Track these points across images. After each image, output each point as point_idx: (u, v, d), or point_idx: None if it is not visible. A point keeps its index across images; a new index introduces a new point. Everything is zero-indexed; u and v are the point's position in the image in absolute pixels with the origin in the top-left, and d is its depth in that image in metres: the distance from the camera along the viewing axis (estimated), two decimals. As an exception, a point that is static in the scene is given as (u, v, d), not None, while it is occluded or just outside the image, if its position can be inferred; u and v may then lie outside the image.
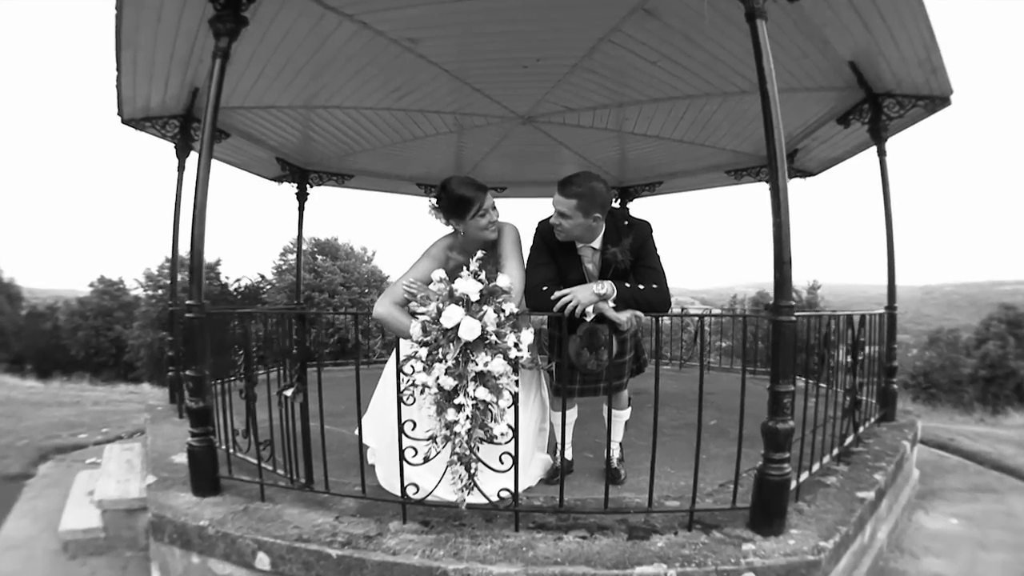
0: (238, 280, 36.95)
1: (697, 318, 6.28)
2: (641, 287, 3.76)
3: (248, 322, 4.36)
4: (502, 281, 3.15)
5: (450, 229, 3.97)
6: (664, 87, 6.25)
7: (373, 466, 4.06)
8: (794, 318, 3.50)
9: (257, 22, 4.63)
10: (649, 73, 5.90)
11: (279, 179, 9.41)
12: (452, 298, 3.05)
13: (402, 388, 3.22)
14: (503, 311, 3.10)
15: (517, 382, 3.16)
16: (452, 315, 2.97)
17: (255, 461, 4.07)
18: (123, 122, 6.36)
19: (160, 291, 37.23)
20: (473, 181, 3.84)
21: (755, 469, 3.62)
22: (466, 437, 3.05)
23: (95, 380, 23.87)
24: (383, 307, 3.57)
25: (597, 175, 3.87)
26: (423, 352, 3.04)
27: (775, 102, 3.61)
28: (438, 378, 2.99)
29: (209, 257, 36.94)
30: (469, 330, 2.94)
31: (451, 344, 2.98)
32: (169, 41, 5.02)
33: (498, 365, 2.99)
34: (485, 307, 3.05)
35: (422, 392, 3.09)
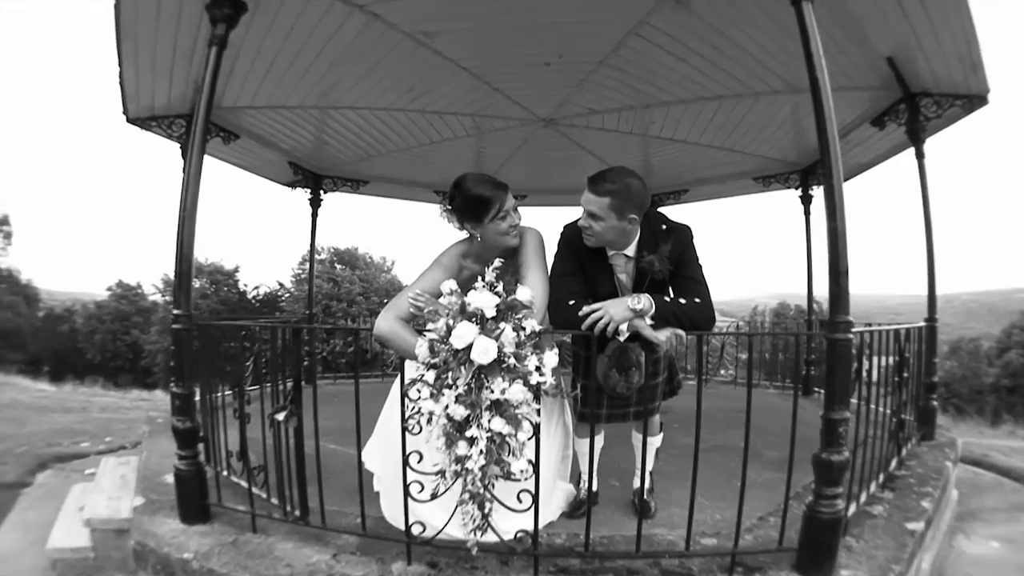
0: (256, 288, 36.75)
1: (744, 336, 5.83)
2: (682, 301, 3.24)
3: (240, 335, 3.97)
4: (522, 294, 2.66)
5: (464, 234, 3.46)
6: (693, 87, 5.85)
7: (378, 493, 3.55)
8: (852, 336, 3.13)
9: (263, 12, 4.44)
10: (677, 71, 5.51)
11: (292, 184, 9.08)
12: (464, 314, 2.59)
13: (407, 415, 2.76)
14: (523, 329, 2.61)
15: (539, 411, 2.69)
16: (464, 334, 2.51)
17: (251, 487, 3.71)
18: (128, 121, 6.03)
19: (176, 298, 37.06)
20: (492, 179, 3.30)
21: (795, 499, 3.37)
22: (479, 474, 2.57)
23: (108, 385, 23.75)
24: (385, 323, 3.00)
25: (633, 171, 3.32)
26: (430, 376, 2.58)
27: (826, 90, 3.40)
28: (447, 406, 2.52)
29: (228, 264, 36.86)
30: (483, 352, 2.47)
31: (462, 367, 2.51)
32: (171, 33, 4.71)
33: (517, 392, 2.51)
34: (502, 324, 2.57)
35: (429, 421, 2.62)
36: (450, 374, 2.54)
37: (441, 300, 2.74)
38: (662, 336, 3.15)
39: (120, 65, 5.16)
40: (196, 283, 34.63)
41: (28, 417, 9.93)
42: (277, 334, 4.05)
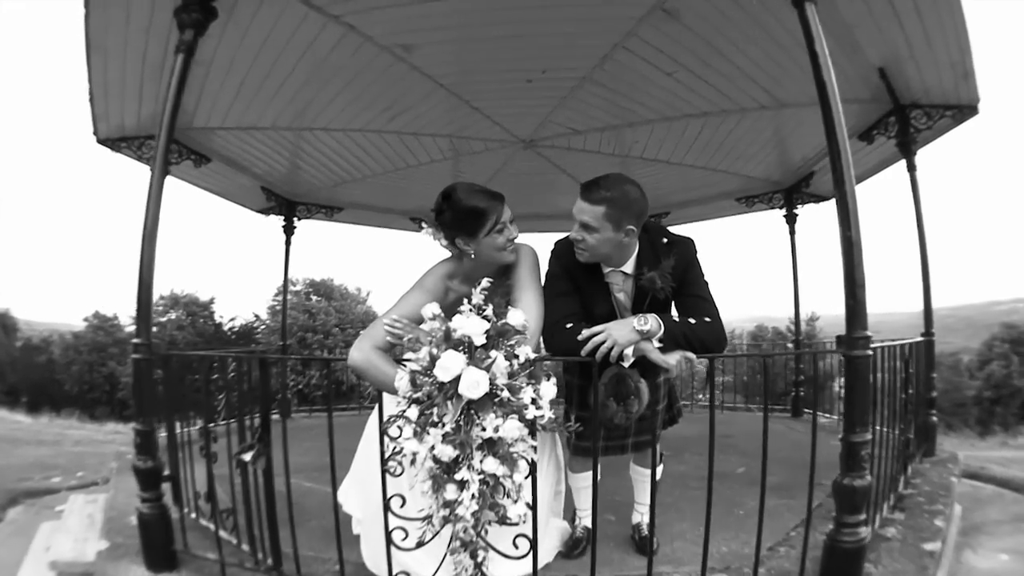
0: (231, 320, 36.16)
1: (760, 358, 5.62)
2: (692, 321, 2.88)
3: (205, 367, 3.65)
4: (514, 318, 2.33)
5: (448, 253, 3.12)
6: (679, 103, 5.66)
7: (359, 536, 3.17)
8: (871, 352, 2.93)
9: (235, 23, 4.26)
10: (664, 86, 5.31)
11: (266, 211, 8.80)
12: (450, 341, 2.23)
13: (387, 456, 2.41)
14: (516, 357, 2.27)
15: (535, 448, 2.36)
16: (450, 364, 2.15)
17: (221, 532, 3.40)
18: (99, 142, 5.79)
19: (155, 328, 36.37)
20: (485, 188, 2.93)
21: (800, 528, 3.23)
22: (472, 521, 2.23)
23: (84, 417, 23.26)
24: (360, 353, 2.61)
25: (631, 178, 2.99)
26: (412, 412, 2.21)
27: (834, 92, 3.19)
28: (433, 447, 2.17)
29: (203, 295, 36.19)
30: (473, 385, 2.12)
31: (449, 402, 2.16)
32: (140, 45, 4.49)
33: (512, 429, 2.17)
34: (493, 353, 2.23)
35: (412, 463, 2.26)
36: (435, 410, 2.18)
37: (423, 326, 2.40)
38: (672, 360, 2.78)
39: (90, 81, 4.96)
40: (172, 315, 34.13)
41: (1, 450, 9.67)
42: (243, 366, 3.72)
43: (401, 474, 2.36)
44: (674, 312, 3.10)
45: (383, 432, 2.42)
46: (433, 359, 2.19)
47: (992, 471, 7.30)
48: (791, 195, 8.22)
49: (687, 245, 3.12)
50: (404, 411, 2.22)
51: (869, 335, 2.91)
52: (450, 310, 2.43)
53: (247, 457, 3.01)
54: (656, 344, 2.79)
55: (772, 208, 8.49)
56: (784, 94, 5.40)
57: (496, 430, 2.15)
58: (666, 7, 4.15)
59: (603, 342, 2.72)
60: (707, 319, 2.91)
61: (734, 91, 5.40)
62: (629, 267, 3.16)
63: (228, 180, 7.59)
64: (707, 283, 3.11)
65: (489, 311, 2.30)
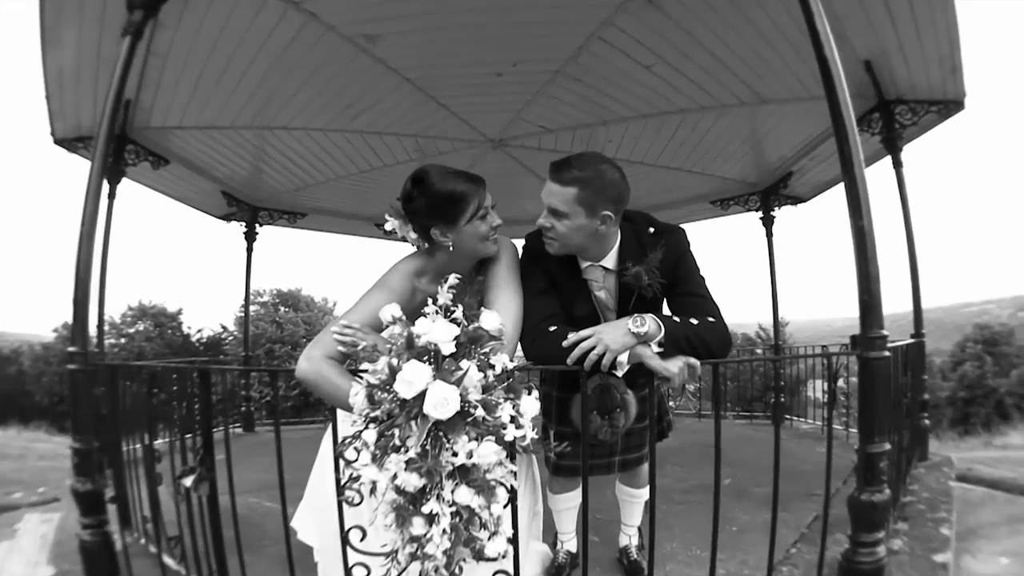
0: (199, 331, 35.61)
1: (772, 361, 5.37)
2: (694, 322, 2.45)
3: (142, 378, 3.30)
4: (488, 321, 1.96)
5: (414, 248, 2.70)
6: (656, 99, 5.42)
7: (317, 564, 2.70)
8: (888, 353, 2.66)
9: (191, 11, 4.09)
10: (640, 81, 5.07)
11: (227, 217, 8.47)
12: (413, 350, 1.83)
13: (343, 483, 1.99)
14: (491, 368, 1.89)
15: (515, 473, 1.96)
16: (413, 378, 1.75)
17: (167, 559, 3.09)
18: (55, 142, 5.46)
19: (123, 339, 35.69)
20: (462, 171, 2.51)
21: (800, 544, 3.12)
22: (443, 560, 1.81)
23: (52, 430, 22.55)
24: (309, 363, 2.21)
25: (608, 158, 2.56)
26: (370, 435, 1.79)
27: (838, 68, 2.91)
28: (395, 476, 1.75)
29: (171, 306, 35.64)
30: (441, 402, 1.72)
31: (413, 423, 1.75)
32: (94, 35, 4.23)
33: (488, 453, 1.78)
34: (464, 363, 1.84)
35: (372, 492, 1.85)
36: (397, 432, 1.77)
37: (386, 333, 2.05)
38: (674, 368, 2.35)
39: (45, 76, 4.71)
40: (140, 326, 33.91)
41: (-36, 463, 9.10)
42: (185, 379, 3.34)
43: (360, 503, 1.96)
44: (666, 312, 2.71)
45: (338, 456, 2.02)
46: (393, 371, 1.80)
47: (980, 472, 7.10)
48: (768, 197, 8.01)
49: (677, 235, 2.71)
50: (361, 432, 1.83)
51: (886, 334, 2.64)
52: (417, 314, 2.01)
53: (187, 482, 2.65)
54: (655, 349, 2.37)
55: (748, 211, 8.28)
56: (765, 89, 5.21)
57: (470, 455, 1.76)
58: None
59: (592, 348, 2.31)
60: (710, 319, 2.49)
61: (714, 86, 5.17)
62: (610, 261, 2.71)
63: (188, 184, 7.25)
64: (703, 278, 2.69)
65: (459, 313, 1.94)
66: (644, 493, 3.36)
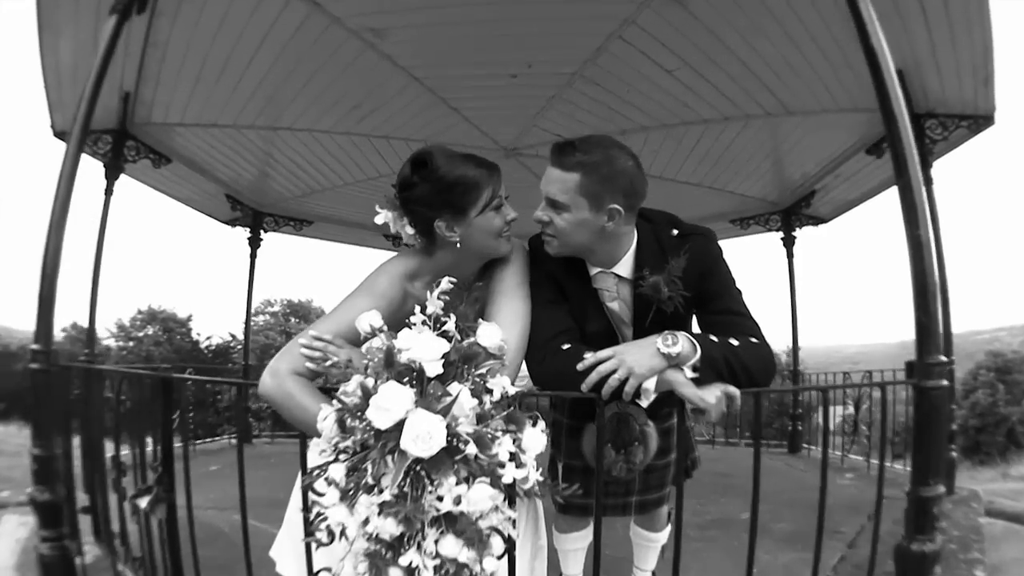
0: (208, 338, 35.62)
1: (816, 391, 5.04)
2: (734, 343, 2.01)
3: (98, 384, 3.02)
4: (487, 335, 1.60)
5: (408, 248, 2.30)
6: (678, 107, 5.15)
7: None
8: (946, 383, 2.32)
9: (191, 2, 3.91)
10: (663, 87, 4.81)
11: (232, 222, 8.25)
12: (392, 368, 1.47)
13: (312, 521, 1.56)
14: (489, 393, 1.52)
15: (514, 521, 1.56)
16: (390, 403, 1.37)
17: None
18: (55, 135, 5.21)
19: (131, 343, 35.73)
20: (474, 156, 2.14)
21: None
22: None
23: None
24: (274, 378, 1.87)
25: (621, 144, 2.12)
26: (338, 470, 1.43)
27: (886, 59, 2.60)
28: (368, 520, 1.39)
29: (181, 312, 35.62)
30: (423, 436, 1.35)
31: (389, 458, 1.38)
32: (91, 21, 3.97)
33: (481, 499, 1.39)
34: (455, 387, 1.46)
35: (342, 537, 1.47)
36: (370, 468, 1.40)
37: (366, 348, 1.64)
38: (711, 397, 1.89)
39: (42, 65, 4.50)
40: (149, 330, 33.74)
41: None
42: (142, 386, 2.98)
43: (332, 542, 1.63)
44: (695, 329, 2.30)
45: (306, 488, 1.68)
46: (367, 393, 1.43)
47: (1002, 505, 6.81)
48: (789, 216, 7.72)
49: (705, 239, 2.23)
50: (329, 464, 1.48)
51: (944, 360, 2.31)
52: (400, 326, 1.65)
53: (142, 503, 2.35)
54: (689, 374, 1.94)
55: (768, 230, 7.99)
56: (792, 99, 4.96)
57: (458, 501, 1.39)
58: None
59: (613, 372, 1.90)
60: (752, 339, 2.06)
61: (739, 94, 4.91)
62: (624, 268, 2.25)
63: (191, 185, 7.04)
64: (740, 292, 2.24)
65: (451, 325, 1.58)
66: (662, 537, 2.96)
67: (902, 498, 2.43)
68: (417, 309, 1.60)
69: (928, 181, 5.12)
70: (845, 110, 5.00)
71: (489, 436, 1.44)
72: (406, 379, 1.45)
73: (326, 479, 1.45)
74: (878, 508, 2.37)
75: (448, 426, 1.38)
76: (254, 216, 8.12)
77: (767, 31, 4.07)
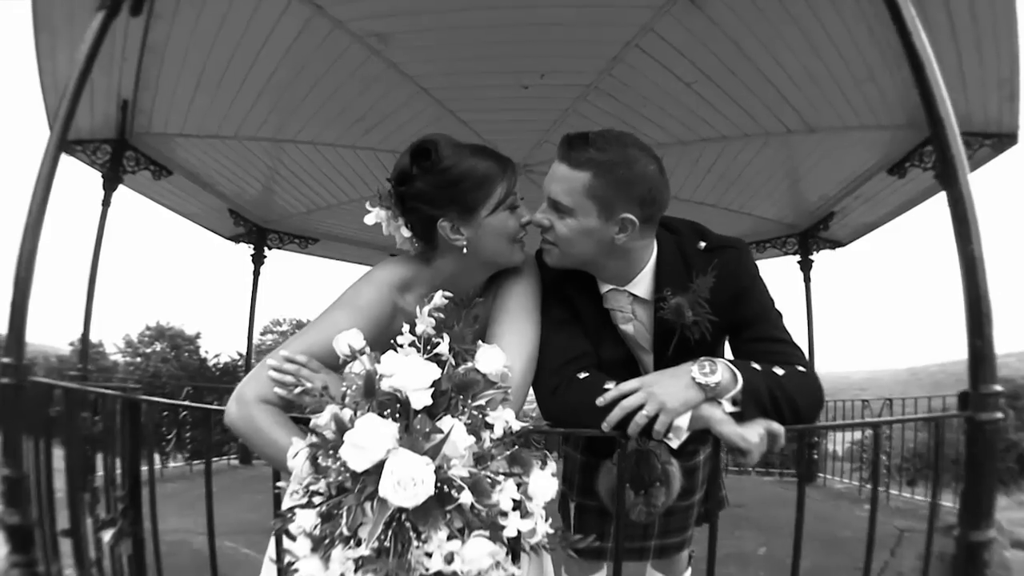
0: (216, 356, 35.69)
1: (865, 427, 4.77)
2: (779, 372, 1.68)
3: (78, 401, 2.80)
4: (487, 360, 1.35)
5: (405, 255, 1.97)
6: (696, 123, 4.96)
7: None
8: (1000, 415, 2.06)
9: (189, 2, 3.77)
10: (681, 101, 4.63)
11: (235, 238, 8.02)
12: (372, 397, 1.19)
13: (283, 572, 1.34)
14: (489, 428, 1.27)
15: None
16: (367, 440, 1.09)
17: None
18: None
19: (139, 359, 35.83)
20: (485, 147, 1.85)
21: None
22: None
23: (55, 443, 22.35)
24: (240, 407, 1.57)
25: (643, 143, 1.80)
26: (307, 517, 1.15)
27: (930, 59, 2.35)
28: None
29: (189, 329, 35.82)
30: (406, 482, 1.06)
31: (368, 504, 1.09)
32: (87, 22, 3.71)
33: (479, 555, 1.11)
34: (447, 422, 1.19)
35: None
36: (346, 516, 1.11)
37: (348, 372, 1.34)
38: (753, 436, 1.59)
39: (39, 69, 4.32)
40: (157, 346, 33.30)
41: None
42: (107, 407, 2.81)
43: None
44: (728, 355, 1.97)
45: (279, 532, 1.37)
46: (342, 427, 1.16)
47: (1021, 536, 6.36)
48: (806, 239, 7.48)
49: (738, 253, 1.89)
50: (300, 506, 1.19)
51: (999, 390, 2.06)
52: (384, 348, 1.38)
53: (106, 537, 2.11)
54: (728, 408, 1.63)
55: (785, 254, 7.74)
56: (814, 116, 4.78)
57: (450, 559, 1.10)
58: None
59: (640, 406, 1.60)
60: (799, 368, 1.74)
61: (759, 110, 4.72)
62: (642, 287, 1.91)
63: (192, 199, 6.84)
64: (780, 314, 1.90)
65: (443, 347, 1.33)
66: None
67: (920, 530, 2.24)
68: (406, 328, 1.35)
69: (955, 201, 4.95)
70: (868, 127, 4.82)
71: (489, 481, 1.16)
72: (388, 411, 1.19)
73: (296, 526, 1.18)
74: (928, 553, 2.10)
75: (438, 469, 1.11)
76: (258, 232, 7.93)
77: (789, 40, 3.90)
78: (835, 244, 7.53)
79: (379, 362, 1.22)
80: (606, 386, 1.67)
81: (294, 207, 7.27)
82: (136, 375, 35.06)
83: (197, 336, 37.29)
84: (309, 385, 1.40)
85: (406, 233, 1.84)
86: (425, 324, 1.34)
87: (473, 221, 1.76)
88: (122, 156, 5.27)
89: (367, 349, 1.33)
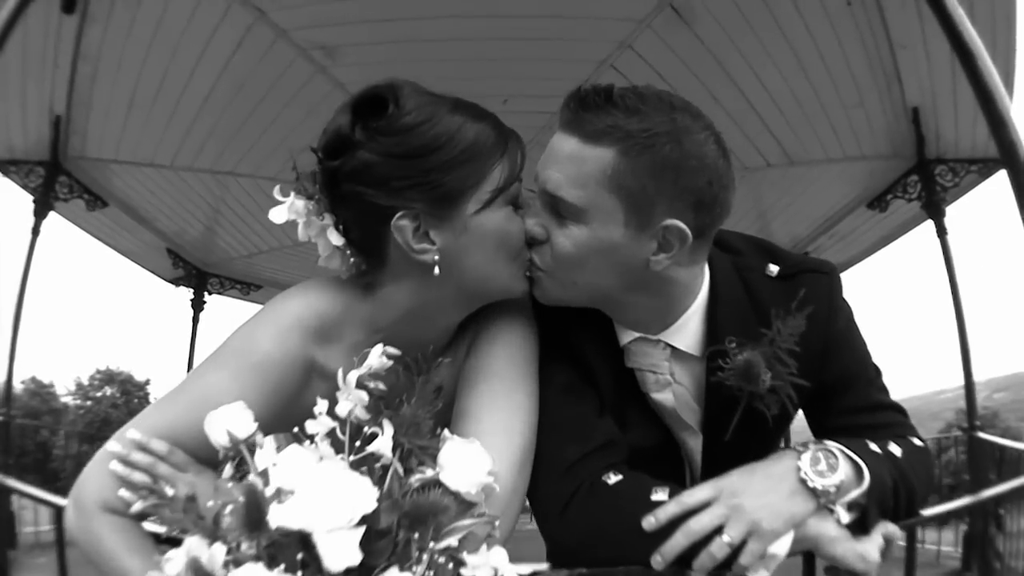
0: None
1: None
2: (897, 453, 1.11)
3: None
4: (458, 469, 0.83)
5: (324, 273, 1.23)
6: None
7: None
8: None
9: (124, 4, 3.59)
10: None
11: (175, 281, 7.36)
12: (260, 532, 0.62)
13: None
14: None
15: None
16: None
17: None
18: None
19: (89, 402, 35.21)
20: (476, 105, 1.13)
21: None
22: None
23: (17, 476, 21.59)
24: (80, 519, 0.98)
25: (690, 104, 1.10)
26: None
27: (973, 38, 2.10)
28: None
29: (138, 374, 35.78)
30: None
31: None
32: (20, 31, 3.44)
33: None
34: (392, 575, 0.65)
35: None
36: None
37: (223, 480, 0.78)
38: (875, 553, 1.04)
39: None
40: (107, 391, 33.78)
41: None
42: None
43: None
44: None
45: None
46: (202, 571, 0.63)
47: None
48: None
49: (829, 281, 1.20)
50: None
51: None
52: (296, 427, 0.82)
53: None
54: (845, 519, 1.04)
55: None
56: (797, 148, 4.61)
57: None
58: (675, 3, 3.29)
59: (713, 527, 0.99)
60: (915, 441, 1.20)
61: (739, 142, 4.42)
62: (687, 335, 1.21)
63: (129, 235, 6.27)
64: (879, 369, 1.28)
65: (384, 442, 0.79)
66: None
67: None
68: (322, 406, 0.81)
69: (942, 231, 4.83)
70: (852, 158, 4.68)
71: None
72: (286, 564, 0.64)
73: None
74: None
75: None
76: (198, 276, 7.28)
77: (778, 59, 3.75)
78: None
79: (272, 466, 0.69)
80: (655, 496, 1.05)
81: (236, 250, 6.77)
82: (87, 418, 34.28)
83: (147, 383, 36.89)
84: (168, 491, 0.83)
85: (336, 239, 1.10)
86: (353, 401, 0.82)
87: (452, 219, 1.05)
88: (55, 181, 4.89)
89: (259, 437, 0.79)
